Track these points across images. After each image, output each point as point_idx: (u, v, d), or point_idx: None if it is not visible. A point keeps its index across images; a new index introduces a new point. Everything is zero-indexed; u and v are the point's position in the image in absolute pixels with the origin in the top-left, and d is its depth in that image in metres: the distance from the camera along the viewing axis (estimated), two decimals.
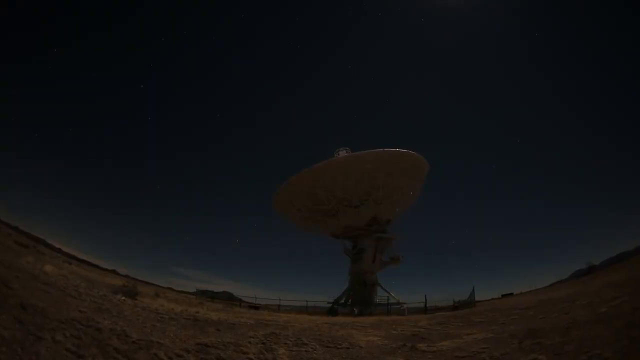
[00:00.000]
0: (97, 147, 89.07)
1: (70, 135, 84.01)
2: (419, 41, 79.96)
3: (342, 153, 30.88)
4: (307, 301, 29.46)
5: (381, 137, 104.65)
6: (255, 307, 26.07)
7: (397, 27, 76.80)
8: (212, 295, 31.30)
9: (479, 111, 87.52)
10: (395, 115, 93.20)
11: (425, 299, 26.00)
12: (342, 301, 31.73)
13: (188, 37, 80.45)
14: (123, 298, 10.13)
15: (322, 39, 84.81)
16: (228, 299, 32.96)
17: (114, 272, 38.69)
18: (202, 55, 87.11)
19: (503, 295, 29.84)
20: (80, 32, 71.50)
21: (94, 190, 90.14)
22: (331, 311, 27.38)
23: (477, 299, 23.96)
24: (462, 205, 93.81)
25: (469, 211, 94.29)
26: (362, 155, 29.87)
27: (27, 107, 72.52)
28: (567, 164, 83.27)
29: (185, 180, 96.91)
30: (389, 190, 31.72)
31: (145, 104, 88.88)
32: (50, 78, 73.55)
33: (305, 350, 6.50)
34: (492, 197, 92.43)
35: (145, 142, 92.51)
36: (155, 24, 76.82)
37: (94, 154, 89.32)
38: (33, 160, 78.59)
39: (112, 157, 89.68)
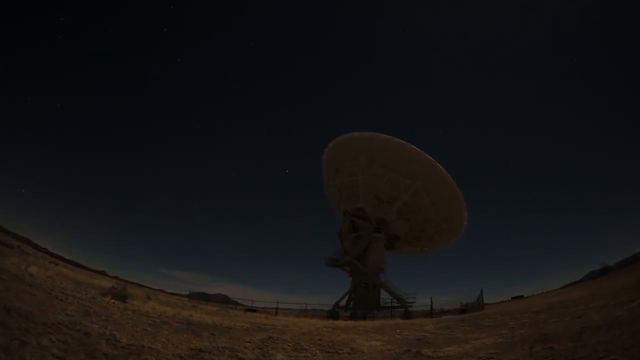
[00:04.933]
0: (90, 146, 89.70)
1: (60, 133, 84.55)
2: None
3: None
4: (306, 304, 29.66)
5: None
6: (252, 310, 26.20)
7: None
8: (206, 298, 31.46)
9: (487, 111, 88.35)
10: (400, 113, 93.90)
11: (431, 302, 26.12)
12: (344, 304, 31.85)
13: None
14: (112, 301, 10.15)
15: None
16: (223, 301, 33.14)
17: (103, 273, 38.92)
18: (204, 56, 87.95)
19: (513, 298, 29.94)
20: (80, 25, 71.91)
21: (84, 189, 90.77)
22: (332, 314, 27.50)
23: (485, 301, 24.05)
24: (469, 204, 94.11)
25: (477, 210, 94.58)
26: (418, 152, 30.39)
27: (18, 102, 73.05)
28: (580, 163, 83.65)
29: (181, 180, 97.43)
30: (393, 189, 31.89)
31: (139, 104, 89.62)
32: (42, 73, 73.83)
33: (305, 356, 6.52)
34: (501, 195, 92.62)
35: (139, 142, 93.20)
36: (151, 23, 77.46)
37: (86, 152, 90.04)
38: (20, 157, 78.88)
39: (105, 156, 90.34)
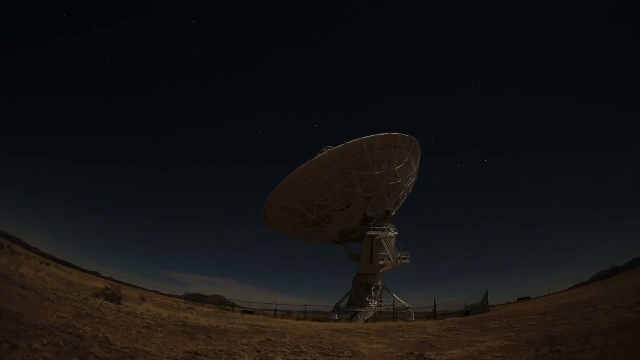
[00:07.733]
0: (86, 146, 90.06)
1: (58, 131, 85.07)
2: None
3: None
4: (306, 306, 29.68)
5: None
6: (250, 312, 26.29)
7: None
8: (202, 300, 31.56)
9: (494, 107, 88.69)
10: (402, 113, 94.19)
11: (435, 304, 26.12)
12: (344, 305, 31.90)
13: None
14: (106, 302, 10.18)
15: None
16: (220, 303, 33.24)
17: (96, 274, 39.10)
18: (204, 57, 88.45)
19: (519, 300, 30.07)
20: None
21: (78, 188, 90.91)
22: (330, 316, 27.59)
23: (491, 303, 24.12)
24: (475, 202, 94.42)
25: (482, 210, 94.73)
26: (325, 156, 29.13)
27: (13, 101, 73.51)
28: (590, 162, 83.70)
29: (178, 180, 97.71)
30: (371, 183, 31.40)
31: (140, 106, 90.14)
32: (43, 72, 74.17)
33: (304, 359, 6.54)
34: (509, 194, 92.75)
35: (136, 142, 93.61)
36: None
37: (82, 152, 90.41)
38: (13, 155, 79.05)
39: (100, 156, 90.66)
